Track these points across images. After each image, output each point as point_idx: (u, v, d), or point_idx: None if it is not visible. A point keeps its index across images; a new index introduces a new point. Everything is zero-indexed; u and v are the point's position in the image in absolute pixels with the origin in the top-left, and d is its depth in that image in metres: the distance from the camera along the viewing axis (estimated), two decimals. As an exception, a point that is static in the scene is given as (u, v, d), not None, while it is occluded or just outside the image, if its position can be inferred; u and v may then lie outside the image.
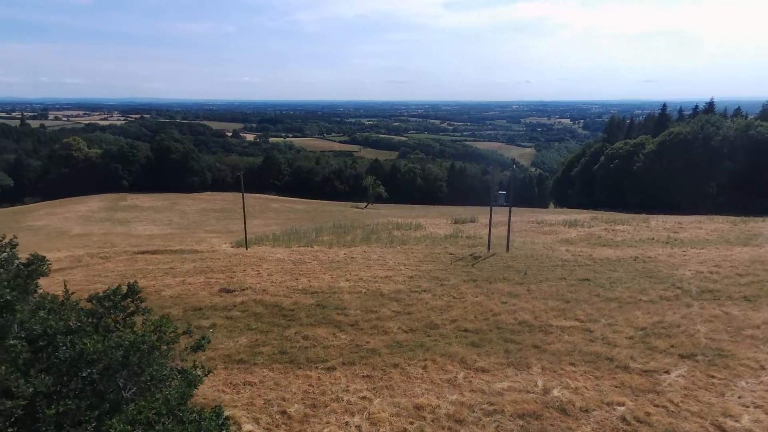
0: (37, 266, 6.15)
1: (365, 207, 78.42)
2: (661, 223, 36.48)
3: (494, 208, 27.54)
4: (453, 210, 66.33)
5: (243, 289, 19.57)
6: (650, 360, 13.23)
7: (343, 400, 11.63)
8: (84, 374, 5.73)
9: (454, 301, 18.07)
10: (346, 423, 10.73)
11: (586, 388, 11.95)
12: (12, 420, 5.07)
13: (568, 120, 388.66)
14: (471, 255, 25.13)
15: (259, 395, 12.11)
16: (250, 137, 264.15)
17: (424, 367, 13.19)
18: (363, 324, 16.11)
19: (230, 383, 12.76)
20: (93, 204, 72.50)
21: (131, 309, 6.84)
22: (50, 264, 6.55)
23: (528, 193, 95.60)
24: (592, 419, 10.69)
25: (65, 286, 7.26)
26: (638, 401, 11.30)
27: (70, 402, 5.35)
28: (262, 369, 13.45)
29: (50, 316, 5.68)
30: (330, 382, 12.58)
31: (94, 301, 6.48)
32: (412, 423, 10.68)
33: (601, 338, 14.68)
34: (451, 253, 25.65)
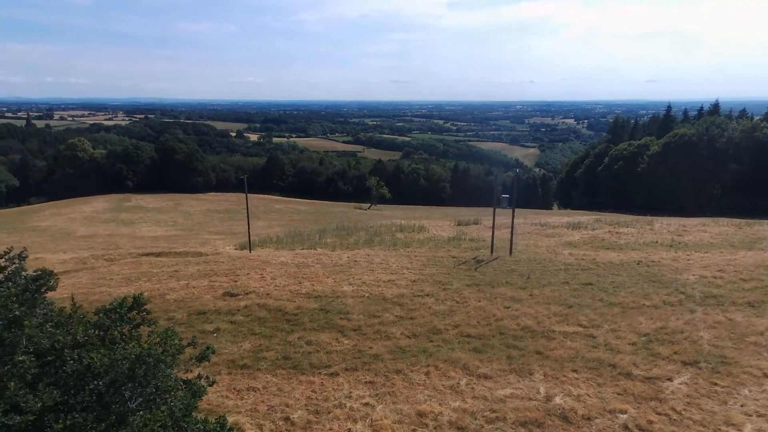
0: (45, 280, 6.24)
1: (368, 208, 78.51)
2: (665, 226, 36.38)
3: (498, 210, 27.55)
4: (456, 211, 66.37)
5: (247, 293, 19.67)
6: (653, 367, 13.23)
7: (345, 407, 11.70)
8: (91, 387, 5.82)
9: (457, 306, 18.11)
10: (349, 430, 10.80)
11: (588, 395, 11.97)
12: (20, 434, 5.16)
13: (572, 120, 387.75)
14: (474, 258, 25.16)
15: (263, 401, 12.19)
16: (253, 137, 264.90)
17: (427, 374, 13.25)
18: (366, 329, 16.18)
19: (234, 389, 12.85)
20: (98, 204, 72.90)
21: (137, 321, 6.93)
22: (58, 278, 6.63)
23: (531, 194, 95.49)
24: (594, 427, 10.71)
25: (72, 299, 7.36)
26: (640, 409, 11.32)
27: (77, 415, 5.43)
28: (265, 374, 13.54)
29: (58, 331, 5.77)
30: (333, 388, 12.65)
31: (101, 314, 6.57)
32: (414, 430, 10.73)
33: (604, 344, 14.69)
34: (454, 257, 25.68)
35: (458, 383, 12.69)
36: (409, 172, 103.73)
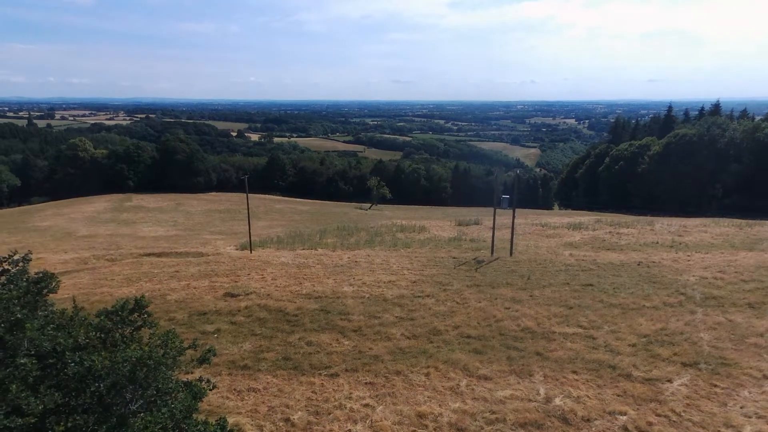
0: (46, 283, 6.27)
1: (369, 208, 78.51)
2: (665, 227, 36.35)
3: (498, 210, 27.57)
4: (457, 211, 66.37)
5: (247, 294, 19.71)
6: (653, 368, 13.24)
7: (346, 408, 11.73)
8: (92, 389, 5.85)
9: (457, 307, 18.14)
10: (349, 431, 10.83)
11: (588, 396, 11.99)
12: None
13: (573, 120, 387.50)
14: (474, 259, 25.17)
15: (263, 402, 12.22)
16: (254, 137, 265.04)
17: (427, 375, 13.27)
18: (366, 330, 16.21)
19: (234, 389, 12.89)
20: (99, 204, 72.98)
21: (138, 323, 6.96)
22: (59, 281, 6.66)
23: (532, 194, 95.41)
24: (593, 429, 10.73)
25: (74, 301, 7.39)
26: (640, 410, 11.33)
27: (78, 417, 5.47)
28: (266, 375, 13.57)
29: (59, 333, 5.80)
30: (333, 389, 12.68)
31: (102, 317, 6.60)
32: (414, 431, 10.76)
33: (604, 345, 14.70)
34: (454, 257, 25.70)
35: (458, 384, 12.71)
36: (409, 172, 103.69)
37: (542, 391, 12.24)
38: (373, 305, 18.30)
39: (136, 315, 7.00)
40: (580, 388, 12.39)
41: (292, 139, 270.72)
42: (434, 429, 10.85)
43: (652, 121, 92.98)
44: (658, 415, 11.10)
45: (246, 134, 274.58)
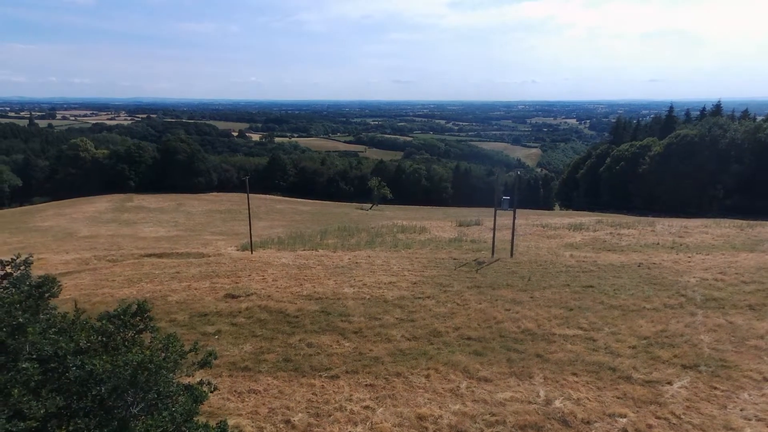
0: (48, 287, 6.30)
1: (370, 208, 78.56)
2: (666, 228, 36.35)
3: (499, 211, 27.60)
4: (458, 212, 66.39)
5: (248, 295, 19.74)
6: (653, 370, 13.26)
7: (346, 410, 11.76)
8: (93, 392, 5.88)
9: (457, 308, 18.15)
10: (350, 433, 10.85)
11: (588, 399, 12.01)
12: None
13: (574, 120, 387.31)
14: (475, 260, 25.19)
15: (264, 403, 12.25)
16: (255, 137, 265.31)
17: (427, 376, 13.29)
18: (366, 331, 16.23)
19: (235, 391, 12.92)
20: (100, 204, 73.10)
21: (140, 326, 6.99)
22: (61, 285, 6.69)
23: (533, 194, 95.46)
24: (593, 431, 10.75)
25: (75, 305, 7.42)
26: (640, 413, 11.35)
27: (79, 421, 5.50)
28: (266, 377, 13.61)
29: (60, 337, 5.83)
30: (333, 391, 12.71)
31: (104, 320, 6.63)
32: (414, 434, 10.78)
33: (604, 347, 14.71)
34: (455, 258, 25.72)
35: (458, 386, 12.73)
36: (410, 173, 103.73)
37: (542, 393, 12.26)
38: (374, 306, 18.32)
39: (137, 318, 7.03)
40: (580, 390, 12.41)
41: (293, 139, 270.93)
42: (434, 431, 10.87)
43: (653, 122, 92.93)
44: (658, 418, 11.12)
45: (247, 134, 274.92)
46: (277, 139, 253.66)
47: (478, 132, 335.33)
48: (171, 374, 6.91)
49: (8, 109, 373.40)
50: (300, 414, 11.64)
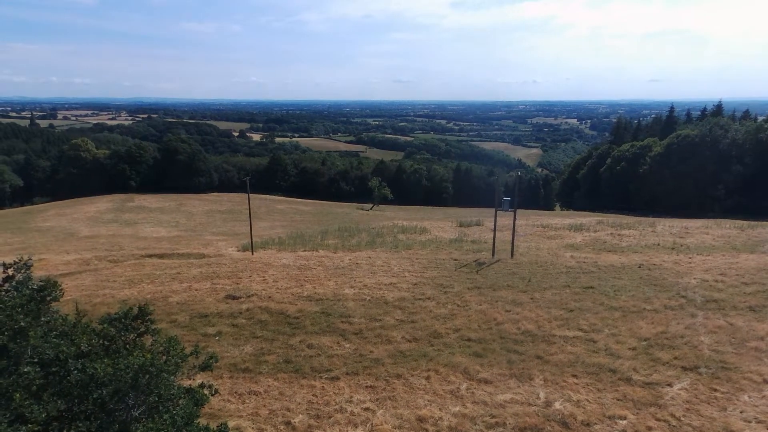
0: (49, 291, 6.33)
1: (371, 209, 78.56)
2: (667, 228, 36.32)
3: (499, 212, 27.62)
4: (458, 212, 66.37)
5: (249, 296, 19.77)
6: (653, 372, 13.27)
7: (346, 411, 11.78)
8: (95, 396, 5.91)
9: (457, 310, 18.17)
10: (350, 435, 10.88)
11: (588, 400, 12.02)
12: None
13: (575, 120, 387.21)
14: (475, 261, 25.20)
15: (264, 405, 12.29)
16: (256, 137, 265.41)
17: (427, 378, 13.32)
18: (367, 333, 16.26)
19: (235, 392, 12.95)
20: (101, 205, 73.14)
21: (141, 330, 7.02)
22: (63, 290, 6.72)
23: (534, 194, 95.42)
24: (593, 433, 10.76)
25: (77, 308, 7.45)
26: (640, 415, 11.36)
27: (81, 424, 5.53)
28: (267, 378, 13.64)
29: (62, 341, 5.86)
30: (334, 393, 12.74)
31: (105, 324, 6.66)
32: (414, 435, 10.81)
33: (604, 349, 14.72)
34: (455, 259, 25.73)
35: (458, 388, 12.75)
36: (411, 173, 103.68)
37: (542, 395, 12.28)
38: (374, 308, 18.35)
39: (138, 321, 7.06)
40: (580, 392, 12.43)
41: (293, 139, 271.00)
42: (434, 433, 10.89)
43: (653, 122, 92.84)
44: (658, 420, 11.13)
45: (248, 134, 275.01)
46: (277, 139, 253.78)
47: (479, 132, 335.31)
48: (172, 377, 6.94)
49: (9, 109, 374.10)
50: (300, 416, 11.66)
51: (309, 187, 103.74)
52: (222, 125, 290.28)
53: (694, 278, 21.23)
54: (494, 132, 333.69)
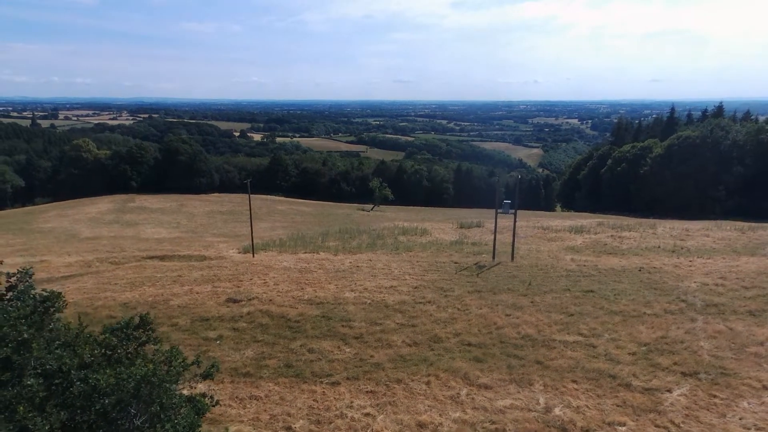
0: (53, 302, 6.38)
1: (371, 209, 78.61)
2: (668, 230, 36.32)
3: (500, 213, 27.67)
4: (459, 213, 66.39)
5: (249, 299, 19.82)
6: (653, 378, 13.30)
7: (347, 417, 11.83)
8: (97, 406, 5.96)
9: (458, 313, 18.21)
10: (350, 441, 10.93)
11: (587, 406, 12.06)
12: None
13: (576, 120, 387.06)
14: (476, 264, 25.24)
15: (265, 410, 12.34)
16: (257, 137, 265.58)
17: (428, 383, 13.36)
18: (367, 337, 16.31)
19: (236, 397, 13.01)
20: (102, 205, 73.26)
21: (143, 339, 7.07)
22: (66, 301, 6.77)
23: (534, 195, 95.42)
24: (593, 440, 10.80)
25: (79, 318, 7.50)
26: (639, 421, 11.40)
27: (84, 436, 5.58)
28: (267, 383, 13.69)
29: (65, 353, 5.91)
30: (334, 398, 12.79)
31: (107, 334, 6.71)
32: (414, 441, 10.85)
33: (604, 354, 14.76)
34: (456, 262, 25.76)
35: (458, 393, 12.80)
36: (411, 173, 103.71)
37: (542, 401, 12.32)
38: (375, 311, 18.39)
39: (140, 331, 7.11)
40: (579, 397, 12.47)
41: (294, 139, 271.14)
42: (434, 439, 10.94)
43: (654, 123, 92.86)
44: (657, 426, 11.17)
45: (248, 134, 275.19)
46: (278, 139, 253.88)
47: (480, 132, 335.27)
48: (174, 386, 6.99)
49: (11, 109, 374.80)
50: (301, 421, 11.72)
51: (310, 188, 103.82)
52: (223, 125, 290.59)
53: (695, 282, 21.26)
54: (495, 132, 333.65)
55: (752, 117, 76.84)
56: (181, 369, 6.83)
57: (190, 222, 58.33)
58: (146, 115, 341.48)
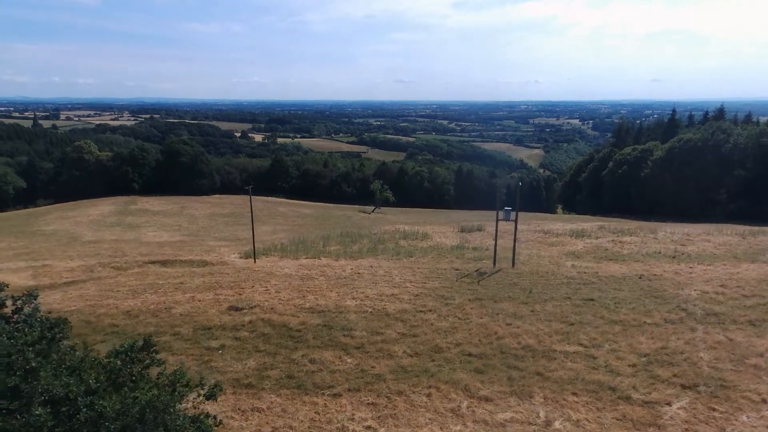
0: (59, 329, 6.48)
1: (372, 211, 78.71)
2: (668, 235, 36.36)
3: (500, 221, 27.73)
4: (460, 216, 66.46)
5: (251, 308, 19.92)
6: (652, 390, 13.37)
7: (348, 430, 11.92)
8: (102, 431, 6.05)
9: (459, 323, 18.28)
10: (352, 455, 11.01)
11: (587, 420, 12.14)
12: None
13: (577, 120, 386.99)
14: (476, 271, 25.32)
15: (267, 422, 12.43)
16: (258, 138, 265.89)
17: (428, 395, 13.44)
18: (369, 347, 16.39)
19: (239, 409, 13.10)
20: (104, 207, 73.43)
21: (147, 361, 7.16)
22: (71, 325, 6.87)
23: (535, 197, 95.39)
24: (592, 454, 10.88)
25: (84, 345, 7.59)
26: (639, 435, 11.46)
27: (90, 462, 5.67)
28: (269, 394, 13.78)
29: (71, 380, 6.00)
30: (336, 410, 12.88)
31: (112, 357, 6.81)
32: (415, 456, 10.94)
33: (604, 365, 14.82)
34: (456, 269, 25.85)
35: (459, 406, 12.88)
36: (413, 175, 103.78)
37: (542, 414, 12.40)
38: (376, 320, 18.47)
39: (144, 353, 7.20)
40: (579, 410, 12.54)
41: (295, 139, 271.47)
42: (435, 453, 11.02)
43: (656, 125, 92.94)
44: (657, 440, 11.24)
45: (249, 135, 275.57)
46: (279, 140, 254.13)
47: (481, 132, 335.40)
48: (178, 405, 7.08)
49: (12, 109, 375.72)
50: (303, 434, 11.80)
51: (311, 189, 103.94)
52: (224, 125, 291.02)
53: (695, 290, 21.31)
54: (496, 132, 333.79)
55: (753, 119, 76.83)
56: (186, 391, 6.92)
57: (191, 225, 58.47)
58: (148, 116, 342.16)
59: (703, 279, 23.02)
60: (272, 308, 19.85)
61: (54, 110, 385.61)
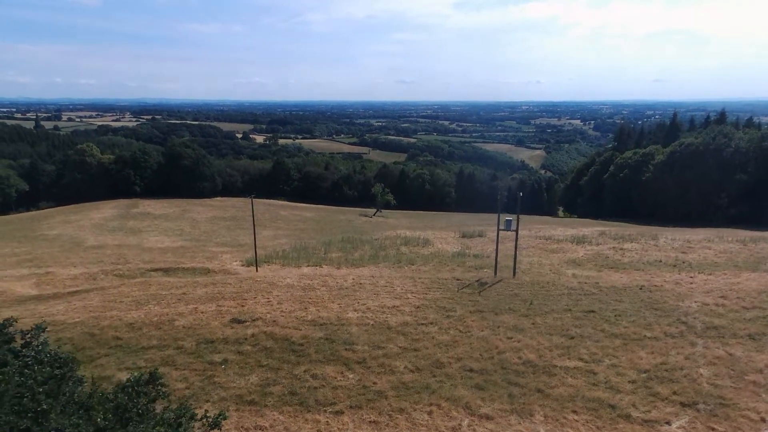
0: (69, 368, 6.62)
1: (374, 215, 78.87)
2: (669, 242, 36.45)
3: (501, 231, 27.82)
4: (461, 219, 66.62)
5: (254, 320, 20.06)
6: (652, 408, 13.47)
7: (350, 449, 12.05)
8: (110, 469, 6.18)
9: (460, 336, 18.40)
10: (354, 475, 11.14)
11: (587, 439, 12.24)
12: None
13: (579, 121, 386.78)
14: (477, 281, 25.44)
15: (270, 441, 12.56)
16: (259, 139, 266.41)
17: (430, 413, 13.57)
18: (370, 362, 16.52)
19: (242, 427, 13.24)
20: (106, 211, 73.71)
21: (153, 395, 7.29)
22: (81, 362, 7.00)
23: (537, 199, 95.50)
24: (592, 476, 10.99)
25: (92, 379, 7.73)
26: (638, 455, 11.57)
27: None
28: (272, 412, 13.92)
29: (81, 420, 6.14)
30: (338, 428, 13.01)
31: (118, 393, 6.94)
32: (417, 477, 11.06)
33: (604, 382, 14.93)
34: (458, 279, 25.97)
35: (460, 424, 13.00)
36: (414, 177, 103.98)
37: (542, 433, 12.51)
38: (377, 333, 18.60)
39: (150, 387, 7.34)
40: (579, 429, 12.66)
41: (297, 140, 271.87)
42: (436, 474, 11.14)
43: (657, 128, 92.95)
44: (656, 461, 11.35)
45: (251, 136, 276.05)
46: (281, 141, 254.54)
47: (482, 133, 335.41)
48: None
49: (14, 110, 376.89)
50: (305, 454, 11.93)
51: (312, 192, 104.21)
52: (225, 126, 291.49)
53: (695, 301, 21.39)
54: (497, 133, 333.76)
55: (755, 123, 76.85)
56: (190, 426, 7.05)
57: (193, 229, 58.66)
58: (149, 117, 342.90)
59: (703, 290, 23.10)
60: (274, 321, 19.99)
61: (56, 111, 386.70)
